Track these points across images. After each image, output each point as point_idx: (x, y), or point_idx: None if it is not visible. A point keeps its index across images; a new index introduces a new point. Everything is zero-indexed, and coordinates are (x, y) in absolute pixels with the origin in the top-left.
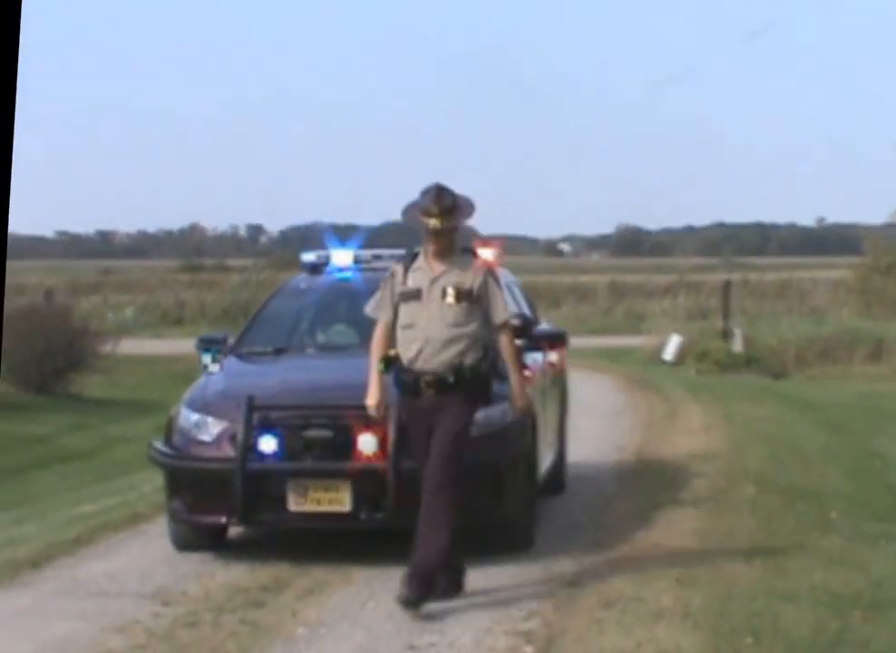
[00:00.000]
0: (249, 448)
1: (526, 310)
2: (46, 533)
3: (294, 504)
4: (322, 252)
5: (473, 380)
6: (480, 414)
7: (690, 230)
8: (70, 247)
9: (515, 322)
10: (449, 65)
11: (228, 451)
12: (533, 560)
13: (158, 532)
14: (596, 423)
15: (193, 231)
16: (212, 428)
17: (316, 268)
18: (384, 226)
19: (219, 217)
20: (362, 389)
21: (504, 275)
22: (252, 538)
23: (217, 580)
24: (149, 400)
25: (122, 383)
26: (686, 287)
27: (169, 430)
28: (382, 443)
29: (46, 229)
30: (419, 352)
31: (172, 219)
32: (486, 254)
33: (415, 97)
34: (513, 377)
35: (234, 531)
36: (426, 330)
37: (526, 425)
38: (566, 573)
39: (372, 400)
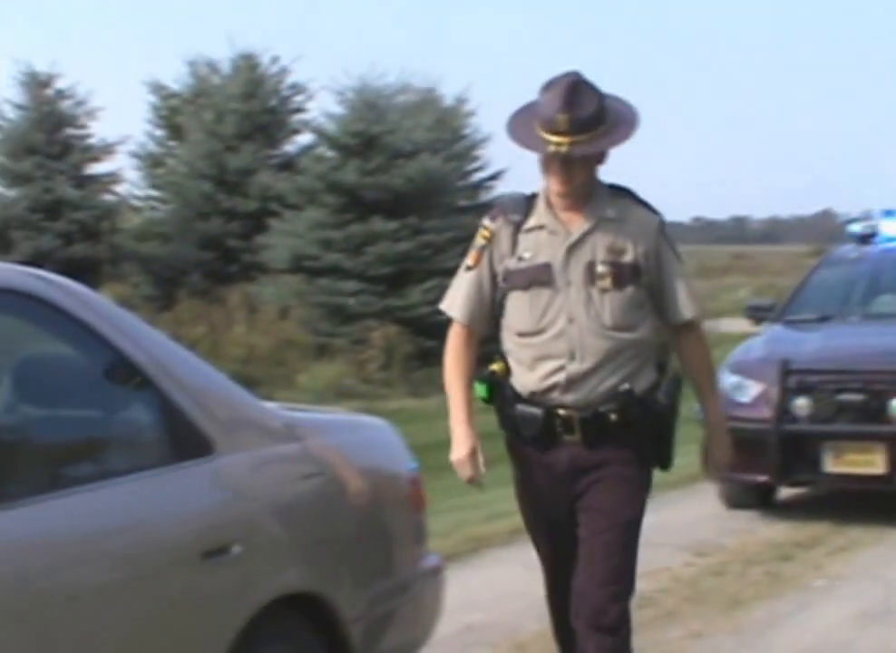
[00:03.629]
0: (784, 410)
1: None
2: None
3: (829, 465)
4: (870, 222)
5: (651, 420)
6: None
7: None
8: (705, 232)
9: None
10: None
11: (766, 412)
12: None
13: (713, 491)
14: None
15: (825, 217)
16: (751, 390)
17: (864, 239)
18: None
19: (851, 203)
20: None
21: None
22: (799, 498)
23: (755, 536)
24: None
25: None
26: None
27: None
28: None
29: (684, 216)
30: (554, 373)
31: (805, 205)
32: None
33: None
34: (709, 406)
35: (785, 492)
36: (569, 337)
37: None
38: None
39: (461, 451)
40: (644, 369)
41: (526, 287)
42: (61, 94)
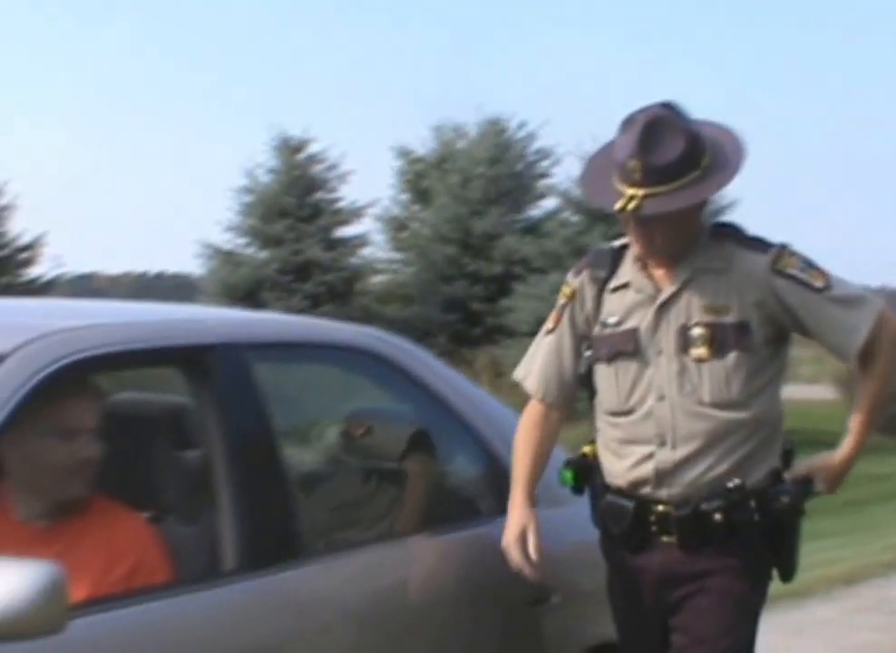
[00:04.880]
0: None
1: None
2: (863, 556)
3: None
4: None
5: (768, 523)
6: None
7: None
8: (891, 300)
9: None
10: None
11: None
12: None
13: None
14: None
15: None
16: None
17: None
18: None
19: None
20: None
21: None
22: None
23: None
24: None
25: None
26: None
27: None
28: None
29: (869, 283)
30: (643, 461)
31: None
32: None
33: None
34: (852, 434)
35: None
36: (658, 418)
37: None
38: None
39: (507, 533)
40: (761, 456)
41: (610, 358)
42: (312, 159)
